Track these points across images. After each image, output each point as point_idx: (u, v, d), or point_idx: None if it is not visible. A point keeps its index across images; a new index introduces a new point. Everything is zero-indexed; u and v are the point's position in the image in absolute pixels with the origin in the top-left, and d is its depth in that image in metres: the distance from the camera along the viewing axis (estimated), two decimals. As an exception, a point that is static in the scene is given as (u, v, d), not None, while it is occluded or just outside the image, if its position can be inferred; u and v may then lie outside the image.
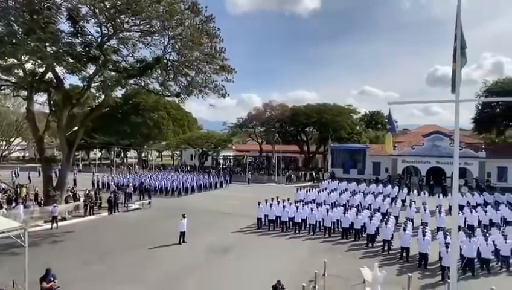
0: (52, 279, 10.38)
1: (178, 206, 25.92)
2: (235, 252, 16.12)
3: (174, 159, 68.62)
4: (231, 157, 62.92)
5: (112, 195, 24.88)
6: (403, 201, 25.59)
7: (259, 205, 20.48)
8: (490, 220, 19.78)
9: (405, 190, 29.60)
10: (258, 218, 20.32)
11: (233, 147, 66.54)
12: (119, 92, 36.43)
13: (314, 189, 28.15)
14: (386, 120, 12.35)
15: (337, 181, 33.86)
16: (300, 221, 19.48)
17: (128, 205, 25.80)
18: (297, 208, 20.09)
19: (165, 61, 23.28)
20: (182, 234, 17.19)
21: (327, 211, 19.30)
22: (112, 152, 53.65)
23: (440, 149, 37.99)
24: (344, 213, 19.09)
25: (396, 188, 30.51)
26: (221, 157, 59.96)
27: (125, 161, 65.77)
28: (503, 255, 14.42)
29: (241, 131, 59.75)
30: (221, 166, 52.80)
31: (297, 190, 27.21)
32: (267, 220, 20.21)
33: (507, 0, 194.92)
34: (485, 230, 16.88)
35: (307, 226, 19.43)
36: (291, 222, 19.73)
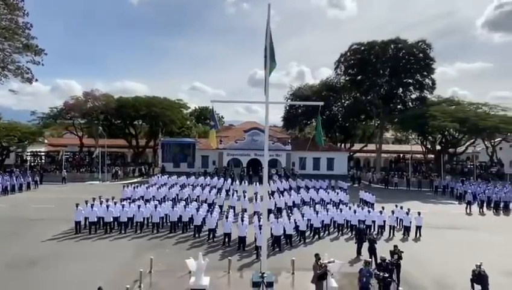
0: None
1: (-38, 217, 20.42)
2: (47, 263, 13.94)
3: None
4: (43, 154, 53.64)
5: None
6: (227, 191, 27.84)
7: (77, 207, 18.33)
8: (293, 202, 23.87)
9: (229, 180, 32.25)
10: (76, 222, 18.13)
11: (46, 141, 57.01)
12: None
13: (143, 185, 27.27)
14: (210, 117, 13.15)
15: (167, 175, 33.84)
16: (126, 220, 18.55)
17: None
18: (123, 206, 19.02)
19: None
20: (-32, 252, 13.66)
21: (155, 207, 19.06)
22: None
23: (258, 143, 43.15)
24: (173, 207, 19.32)
25: (222, 179, 32.91)
26: (28, 154, 50.31)
27: None
28: (301, 230, 17.69)
29: (56, 123, 51.66)
30: (28, 164, 44.35)
31: (124, 187, 25.72)
32: (87, 222, 18.34)
33: (307, 21, 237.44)
34: (289, 210, 20.31)
35: (134, 224, 18.71)
36: (116, 222, 18.56)
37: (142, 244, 16.57)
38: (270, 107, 11.43)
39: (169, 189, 26.25)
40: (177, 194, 25.18)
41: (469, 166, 47.54)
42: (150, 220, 19.00)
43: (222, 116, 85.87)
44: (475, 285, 12.33)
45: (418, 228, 19.09)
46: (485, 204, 27.71)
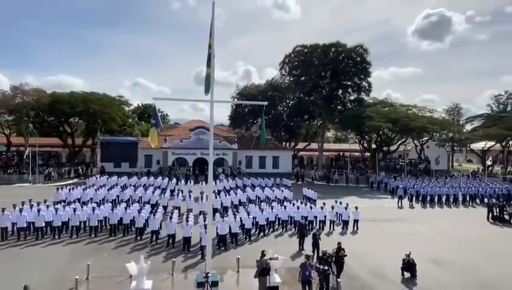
0: None
1: None
2: (-36, 276, 12.51)
3: None
4: (-39, 154, 47.91)
5: None
6: (172, 191, 27.15)
7: (3, 211, 16.69)
8: (239, 200, 24.02)
9: (174, 180, 31.49)
10: (2, 228, 16.51)
11: (-35, 140, 51.01)
12: None
13: (80, 186, 25.57)
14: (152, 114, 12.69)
15: (107, 176, 32.11)
16: (60, 224, 17.28)
17: None
18: (56, 210, 17.69)
19: None
20: None
21: (93, 210, 17.99)
22: None
23: (204, 142, 42.56)
24: (112, 209, 18.39)
25: (166, 179, 32.04)
26: None
27: None
28: (247, 228, 17.84)
29: (-22, 119, 46.45)
30: None
31: (58, 189, 23.91)
32: (15, 228, 16.78)
33: (253, 21, 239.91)
34: (235, 209, 20.39)
35: (69, 229, 17.50)
36: (48, 227, 17.20)
37: (79, 250, 15.56)
38: (217, 106, 11.43)
39: (108, 190, 24.93)
40: (118, 196, 24.04)
41: (401, 163, 51.61)
42: (87, 224, 17.92)
43: (167, 114, 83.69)
44: (405, 273, 13.46)
45: (356, 221, 20.30)
46: (414, 198, 30.31)
